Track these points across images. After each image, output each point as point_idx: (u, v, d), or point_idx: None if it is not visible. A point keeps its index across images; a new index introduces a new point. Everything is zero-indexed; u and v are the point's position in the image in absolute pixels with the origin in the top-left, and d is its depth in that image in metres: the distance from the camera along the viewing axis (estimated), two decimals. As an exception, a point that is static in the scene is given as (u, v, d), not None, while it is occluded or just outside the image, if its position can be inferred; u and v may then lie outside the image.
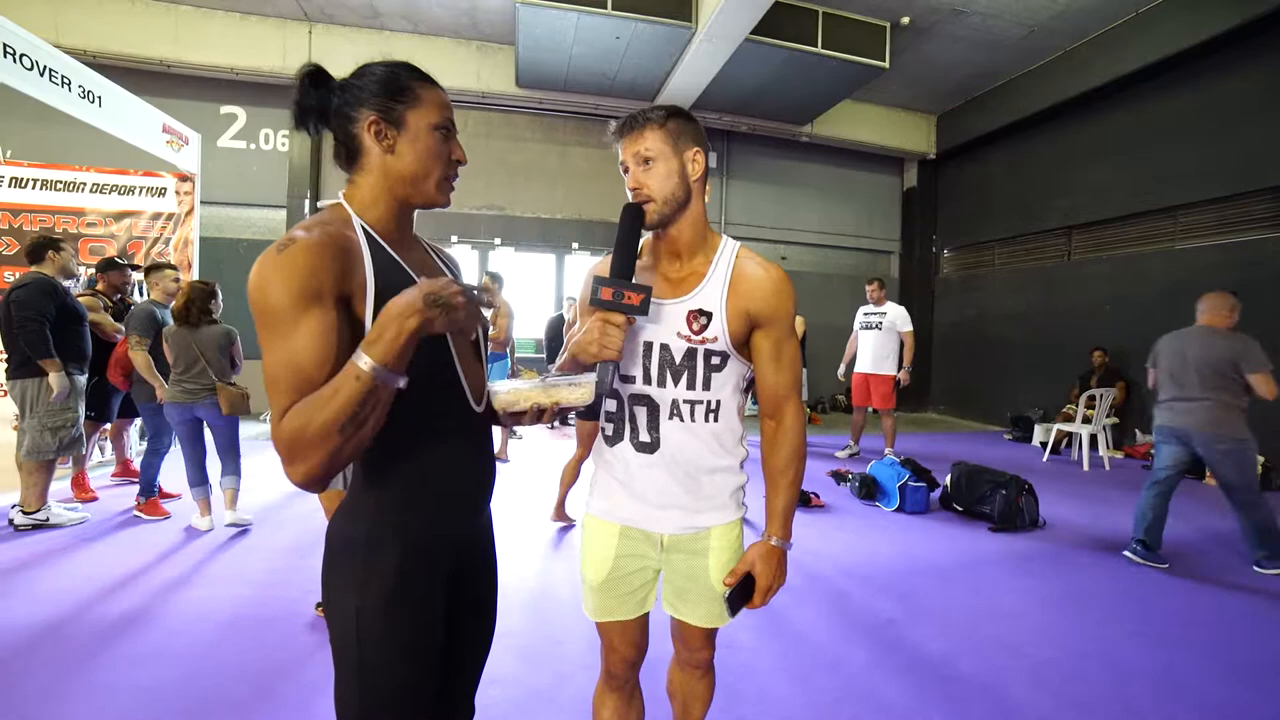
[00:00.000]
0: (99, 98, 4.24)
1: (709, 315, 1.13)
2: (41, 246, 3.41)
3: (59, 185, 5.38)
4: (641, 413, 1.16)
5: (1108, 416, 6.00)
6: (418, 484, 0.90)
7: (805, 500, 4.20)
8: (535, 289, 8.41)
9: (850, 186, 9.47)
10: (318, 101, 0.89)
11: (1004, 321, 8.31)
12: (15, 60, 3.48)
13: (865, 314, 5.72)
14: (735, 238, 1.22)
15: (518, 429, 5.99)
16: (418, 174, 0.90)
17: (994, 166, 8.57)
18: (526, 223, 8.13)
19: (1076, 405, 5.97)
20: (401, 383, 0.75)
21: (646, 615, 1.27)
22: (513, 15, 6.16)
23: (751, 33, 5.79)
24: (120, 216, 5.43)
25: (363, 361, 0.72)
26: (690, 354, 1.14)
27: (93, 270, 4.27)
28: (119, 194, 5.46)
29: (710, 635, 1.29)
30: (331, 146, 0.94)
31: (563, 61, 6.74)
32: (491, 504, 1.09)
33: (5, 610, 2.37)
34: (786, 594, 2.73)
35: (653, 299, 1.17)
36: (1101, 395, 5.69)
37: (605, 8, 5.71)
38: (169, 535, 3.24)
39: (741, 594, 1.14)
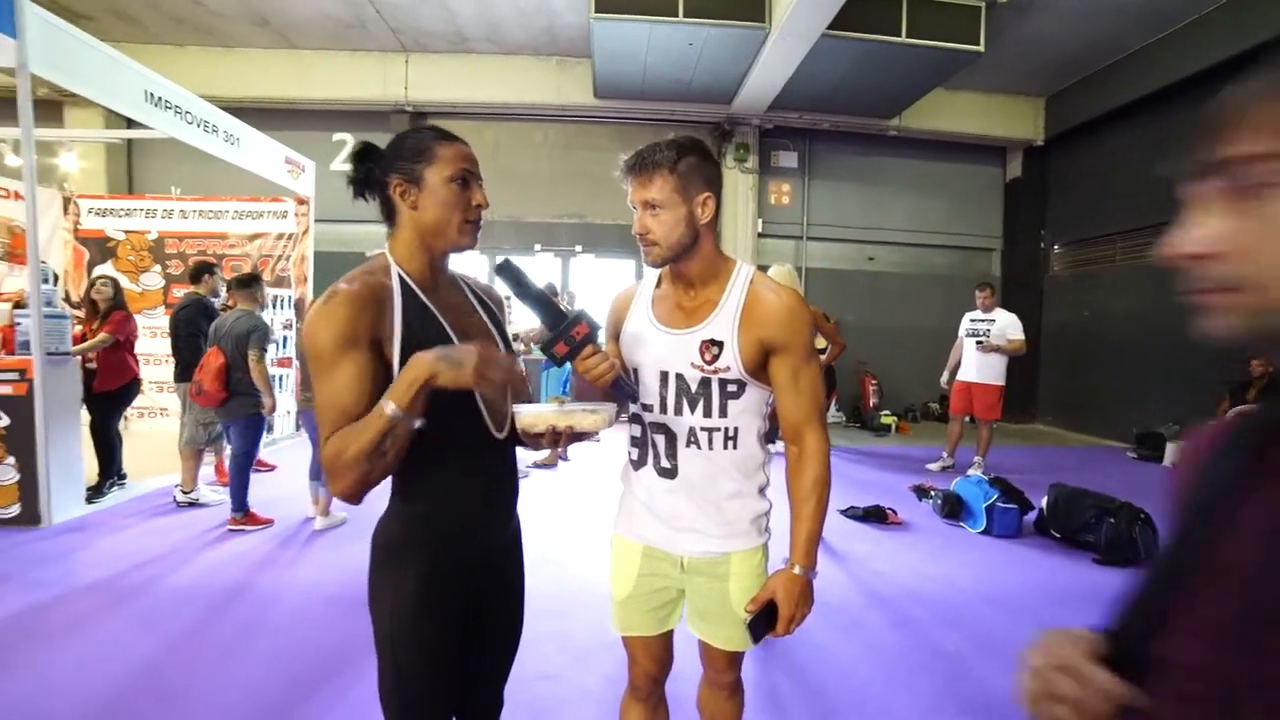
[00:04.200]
0: (238, 139, 4.95)
1: (720, 345, 1.15)
2: (201, 269, 4.16)
3: (210, 214, 6.33)
4: (660, 440, 1.21)
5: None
6: (439, 502, 1.02)
7: (881, 516, 4.01)
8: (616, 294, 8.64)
9: (945, 180, 8.82)
10: (365, 175, 1.03)
11: (1127, 323, 7.38)
12: (181, 116, 4.34)
13: (972, 320, 5.37)
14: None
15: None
16: (438, 223, 1.02)
17: (1114, 151, 7.63)
18: (606, 229, 8.35)
19: (1216, 421, 5.21)
20: (417, 423, 0.89)
21: (670, 633, 1.31)
22: (588, 29, 6.37)
23: (828, 27, 5.59)
24: (253, 238, 6.28)
25: (386, 406, 0.87)
26: (705, 383, 1.16)
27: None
28: (252, 219, 6.30)
29: (734, 658, 1.30)
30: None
31: (638, 71, 6.86)
32: (516, 519, 1.17)
33: (164, 571, 2.84)
34: (842, 615, 2.65)
35: (667, 329, 1.20)
36: (1247, 410, 4.93)
37: (676, 15, 5.75)
38: (288, 520, 3.69)
39: (765, 621, 1.14)
